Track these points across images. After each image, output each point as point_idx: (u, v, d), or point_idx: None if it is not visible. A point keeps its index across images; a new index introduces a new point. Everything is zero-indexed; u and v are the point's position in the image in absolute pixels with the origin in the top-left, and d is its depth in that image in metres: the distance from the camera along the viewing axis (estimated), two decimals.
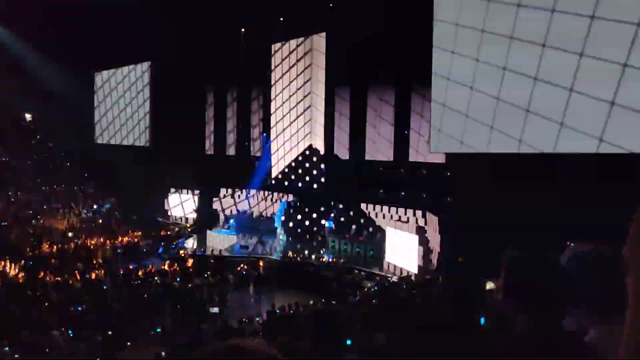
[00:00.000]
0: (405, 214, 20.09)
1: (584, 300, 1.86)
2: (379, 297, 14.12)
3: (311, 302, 13.98)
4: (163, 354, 9.68)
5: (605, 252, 1.94)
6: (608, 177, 12.66)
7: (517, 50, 14.14)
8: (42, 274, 17.63)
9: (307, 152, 23.71)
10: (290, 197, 24.42)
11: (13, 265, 18.25)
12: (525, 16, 13.79)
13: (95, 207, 30.30)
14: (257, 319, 13.56)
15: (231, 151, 28.66)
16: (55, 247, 21.47)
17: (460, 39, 15.72)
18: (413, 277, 17.48)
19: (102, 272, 18.32)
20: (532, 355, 1.54)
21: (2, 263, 18.19)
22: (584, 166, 13.26)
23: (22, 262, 18.75)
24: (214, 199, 27.21)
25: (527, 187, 14.42)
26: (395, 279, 17.77)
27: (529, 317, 1.58)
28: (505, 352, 1.59)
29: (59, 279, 17.05)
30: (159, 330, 12.85)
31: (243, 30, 25.68)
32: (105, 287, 16.48)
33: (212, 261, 20.51)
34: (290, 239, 22.55)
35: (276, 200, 25.20)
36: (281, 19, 23.43)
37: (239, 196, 26.97)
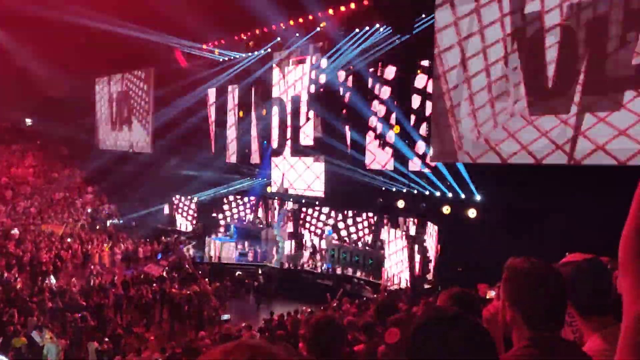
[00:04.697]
0: (405, 223, 20.10)
1: (584, 307, 1.87)
2: (378, 305, 14.05)
3: (309, 310, 13.94)
4: None
5: (602, 262, 1.95)
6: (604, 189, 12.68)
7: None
8: (40, 279, 17.62)
9: (308, 160, 23.68)
10: (290, 205, 24.42)
11: (12, 271, 18.24)
12: None
13: (94, 213, 30.26)
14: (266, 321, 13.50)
15: (232, 158, 28.66)
16: (53, 253, 21.42)
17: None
18: (412, 287, 17.44)
19: (101, 278, 18.30)
20: None
21: None
22: (583, 177, 13.28)
23: (20, 267, 18.74)
24: (214, 206, 27.22)
25: (526, 197, 14.43)
26: (393, 288, 17.73)
27: (528, 325, 1.59)
28: None
29: (57, 284, 17.04)
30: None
31: (245, 37, 25.85)
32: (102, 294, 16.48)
33: (211, 268, 20.49)
34: (289, 247, 22.54)
35: (276, 208, 25.20)
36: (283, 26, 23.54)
37: (238, 204, 27.00)
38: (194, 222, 27.50)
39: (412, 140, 19.28)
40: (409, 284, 17.60)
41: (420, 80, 18.89)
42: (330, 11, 21.31)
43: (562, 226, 12.72)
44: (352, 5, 20.53)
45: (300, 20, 22.68)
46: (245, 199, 26.91)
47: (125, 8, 22.72)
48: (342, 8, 20.90)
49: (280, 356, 0.83)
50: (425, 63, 18.54)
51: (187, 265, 20.28)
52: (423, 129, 18.62)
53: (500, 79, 14.84)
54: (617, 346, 1.56)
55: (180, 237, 26.11)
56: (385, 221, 20.89)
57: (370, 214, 21.64)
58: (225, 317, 15.47)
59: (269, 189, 25.60)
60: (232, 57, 27.24)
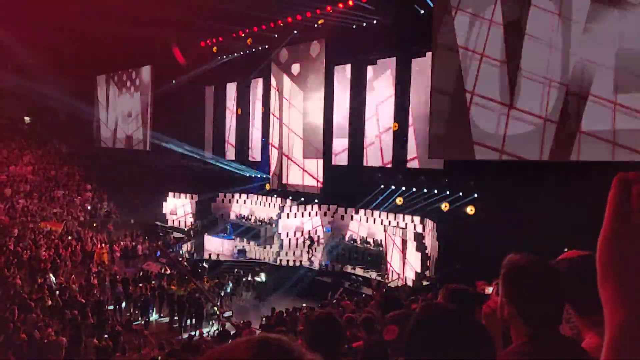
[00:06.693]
0: (404, 220, 20.10)
1: (580, 305, 1.87)
2: (377, 302, 14.06)
3: (307, 306, 13.95)
4: (159, 358, 9.65)
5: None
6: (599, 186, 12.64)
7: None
8: (40, 277, 17.59)
9: (307, 157, 23.67)
10: (289, 202, 24.40)
11: (12, 268, 18.21)
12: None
13: (93, 210, 30.19)
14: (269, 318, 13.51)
15: (230, 155, 28.66)
16: (52, 250, 21.37)
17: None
18: (411, 283, 17.46)
19: (101, 275, 18.30)
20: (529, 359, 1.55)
21: None
22: (583, 174, 13.28)
23: (19, 265, 18.71)
24: (212, 203, 27.21)
25: (524, 194, 14.44)
26: (392, 284, 17.74)
27: (526, 321, 1.60)
28: (503, 357, 1.60)
29: (57, 282, 17.03)
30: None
31: (243, 35, 25.80)
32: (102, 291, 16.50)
33: (209, 265, 20.49)
34: (288, 244, 22.55)
35: (275, 205, 25.19)
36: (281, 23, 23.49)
37: (237, 201, 27.00)
38: (193, 219, 27.48)
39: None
40: (407, 281, 17.62)
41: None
42: (329, 8, 21.29)
43: (560, 223, 12.73)
44: (350, 2, 20.51)
45: (299, 17, 22.65)
46: (245, 196, 26.89)
47: (125, 6, 22.66)
48: (340, 5, 20.86)
49: (306, 356, 0.75)
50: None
51: (183, 264, 20.31)
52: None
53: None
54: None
55: (179, 235, 26.10)
56: (384, 218, 20.90)
57: (369, 211, 21.63)
58: (228, 314, 15.54)
59: (267, 187, 25.64)
60: (230, 54, 27.24)
